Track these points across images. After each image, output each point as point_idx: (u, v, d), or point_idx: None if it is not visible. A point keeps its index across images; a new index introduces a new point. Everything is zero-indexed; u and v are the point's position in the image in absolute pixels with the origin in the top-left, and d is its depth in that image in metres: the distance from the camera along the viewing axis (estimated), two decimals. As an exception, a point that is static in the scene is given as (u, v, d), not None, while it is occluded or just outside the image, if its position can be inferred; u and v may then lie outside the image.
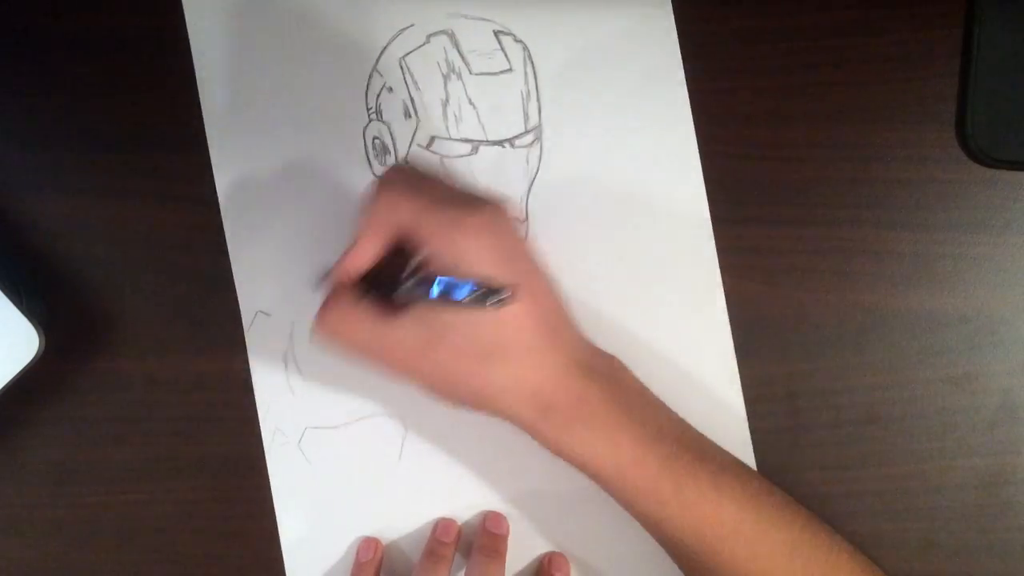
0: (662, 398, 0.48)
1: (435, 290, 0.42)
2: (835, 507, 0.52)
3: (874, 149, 0.52)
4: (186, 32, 0.53)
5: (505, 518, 0.52)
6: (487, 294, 0.41)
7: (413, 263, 0.46)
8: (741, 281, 0.52)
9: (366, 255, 0.45)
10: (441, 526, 0.52)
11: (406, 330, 0.44)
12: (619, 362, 0.48)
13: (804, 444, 0.52)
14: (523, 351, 0.44)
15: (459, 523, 0.53)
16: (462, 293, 0.42)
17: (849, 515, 0.52)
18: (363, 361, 0.46)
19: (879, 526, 0.51)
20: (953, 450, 0.52)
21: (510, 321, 0.43)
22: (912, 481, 0.52)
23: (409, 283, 0.44)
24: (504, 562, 0.52)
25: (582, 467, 0.45)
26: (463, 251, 0.43)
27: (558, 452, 0.45)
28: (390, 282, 0.45)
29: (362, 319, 0.45)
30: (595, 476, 0.46)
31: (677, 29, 0.52)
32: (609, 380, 0.46)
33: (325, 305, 0.46)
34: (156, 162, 0.53)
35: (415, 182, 0.46)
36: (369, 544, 0.52)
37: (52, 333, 0.49)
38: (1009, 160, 0.51)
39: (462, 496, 0.53)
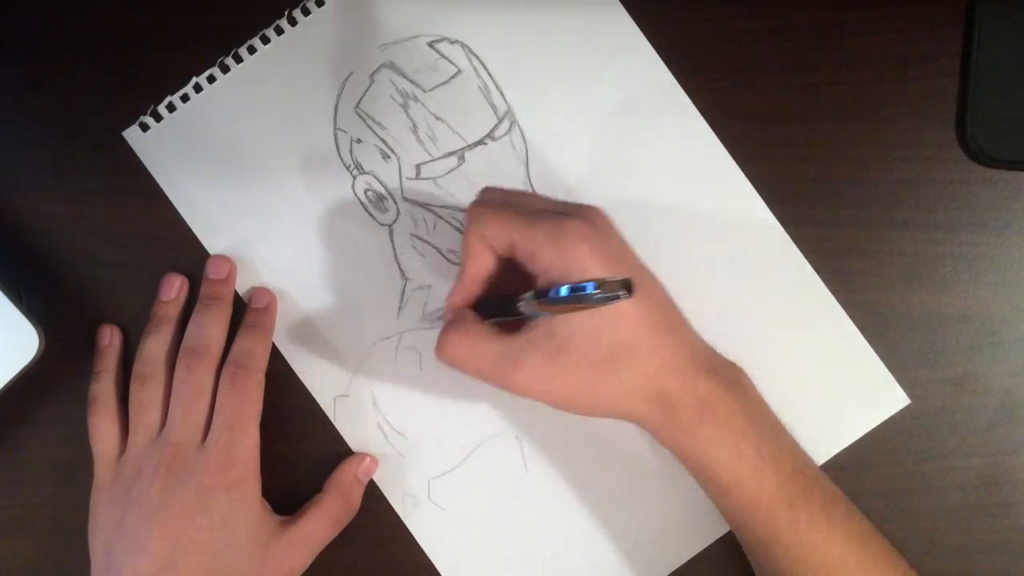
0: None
1: (562, 291, 0.41)
2: (835, 507, 0.52)
3: (874, 149, 0.52)
4: (188, 32, 0.53)
5: (228, 259, 0.52)
6: (609, 290, 0.40)
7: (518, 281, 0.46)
8: (741, 281, 0.52)
9: (472, 284, 0.47)
10: (164, 284, 0.52)
11: (529, 346, 0.44)
12: (741, 370, 0.48)
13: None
14: (646, 352, 0.44)
15: (184, 279, 0.52)
16: (588, 291, 0.40)
17: (849, 515, 0.52)
18: (488, 383, 0.46)
19: (880, 526, 0.51)
20: (953, 450, 0.52)
21: (630, 321, 0.43)
22: (913, 481, 0.52)
23: (527, 298, 0.44)
24: (228, 307, 0.52)
25: (699, 471, 0.46)
26: (573, 256, 0.43)
27: (678, 452, 0.46)
28: (508, 302, 0.45)
29: (482, 342, 0.45)
30: (710, 482, 0.46)
31: (674, 30, 0.52)
32: (732, 384, 0.46)
33: (445, 332, 0.46)
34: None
35: (505, 200, 0.47)
36: (104, 331, 0.52)
37: (52, 333, 0.49)
38: (1009, 160, 0.51)
39: (595, 474, 0.53)
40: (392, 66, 0.52)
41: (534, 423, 0.53)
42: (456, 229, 0.52)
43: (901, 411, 0.52)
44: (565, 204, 0.47)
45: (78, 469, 0.52)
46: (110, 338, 0.52)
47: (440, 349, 0.46)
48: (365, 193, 0.53)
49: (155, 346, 0.51)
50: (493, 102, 0.52)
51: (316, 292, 0.53)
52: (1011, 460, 0.52)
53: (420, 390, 0.53)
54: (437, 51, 0.52)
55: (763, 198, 0.52)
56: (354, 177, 0.53)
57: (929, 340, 0.52)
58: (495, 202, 0.47)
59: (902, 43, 0.52)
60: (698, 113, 0.52)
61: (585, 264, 0.43)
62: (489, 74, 0.52)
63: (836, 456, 0.52)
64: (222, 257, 0.52)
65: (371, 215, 0.53)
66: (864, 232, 0.52)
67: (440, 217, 0.52)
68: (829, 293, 0.52)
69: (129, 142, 0.53)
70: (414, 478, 0.53)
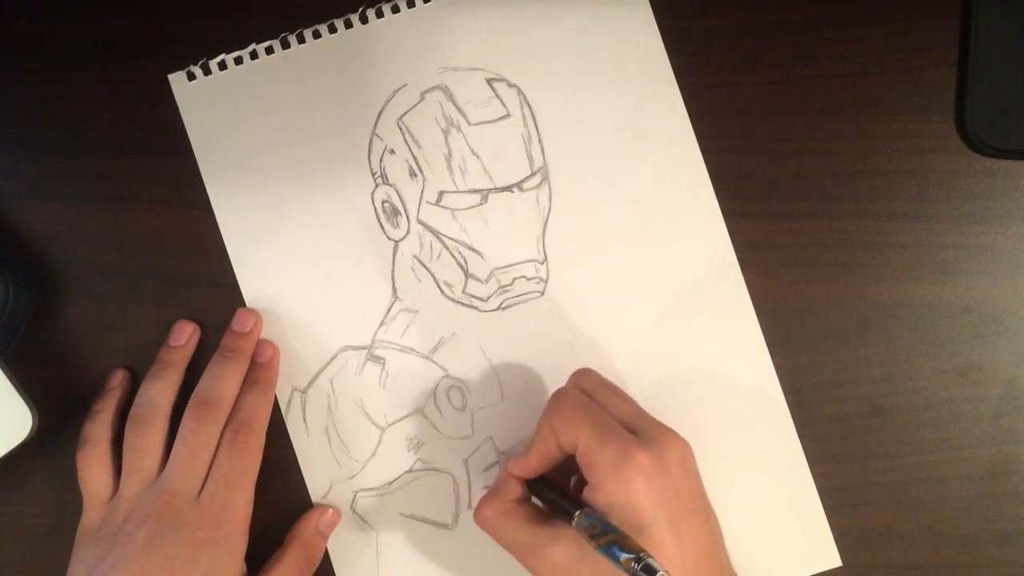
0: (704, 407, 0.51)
1: (583, 523, 0.43)
2: (841, 500, 0.52)
3: (874, 141, 0.52)
4: (185, 35, 0.52)
5: (255, 314, 0.52)
6: (636, 559, 0.41)
7: (573, 480, 0.48)
8: (743, 275, 0.52)
9: (531, 465, 0.48)
10: (175, 329, 0.52)
11: (556, 546, 0.45)
12: None
13: (808, 437, 0.52)
14: None
15: (196, 327, 0.52)
16: (608, 547, 0.42)
17: (855, 508, 0.52)
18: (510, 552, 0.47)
19: (885, 518, 0.51)
20: (958, 440, 0.52)
21: (660, 554, 0.43)
22: (917, 472, 0.52)
23: (567, 505, 0.45)
24: (247, 361, 0.52)
25: None
26: (627, 489, 0.44)
27: None
28: (557, 502, 0.46)
29: (516, 523, 0.47)
30: None
31: (675, 25, 0.52)
32: None
33: (487, 497, 0.48)
34: (155, 167, 0.53)
35: (586, 407, 0.46)
36: (117, 373, 0.52)
37: (53, 337, 0.49)
38: (1009, 149, 0.51)
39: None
40: (445, 90, 0.52)
41: (472, 465, 0.53)
42: (459, 265, 0.52)
43: (905, 402, 0.52)
44: (648, 421, 0.47)
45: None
46: (119, 381, 0.52)
47: (478, 511, 0.48)
48: (382, 204, 0.52)
49: (156, 391, 0.51)
50: (531, 154, 0.52)
51: (304, 283, 0.53)
52: (1016, 450, 0.52)
53: (375, 407, 0.53)
54: (493, 89, 0.52)
55: (764, 192, 0.52)
56: (376, 185, 0.53)
57: (931, 331, 0.52)
58: (578, 397, 0.47)
59: (900, 34, 0.51)
60: (725, 228, 0.52)
61: (637, 499, 0.44)
62: (536, 126, 0.52)
63: (841, 450, 0.52)
64: (250, 311, 0.52)
65: (382, 226, 0.53)
66: (865, 224, 0.52)
67: (446, 248, 0.52)
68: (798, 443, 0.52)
69: (172, 86, 0.52)
70: (343, 486, 0.53)
